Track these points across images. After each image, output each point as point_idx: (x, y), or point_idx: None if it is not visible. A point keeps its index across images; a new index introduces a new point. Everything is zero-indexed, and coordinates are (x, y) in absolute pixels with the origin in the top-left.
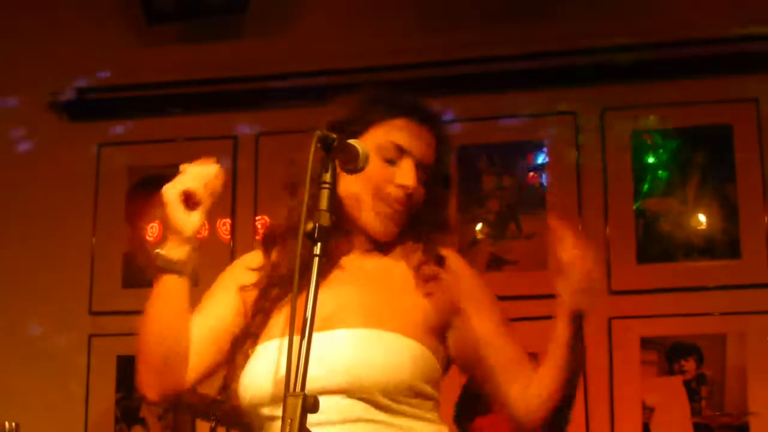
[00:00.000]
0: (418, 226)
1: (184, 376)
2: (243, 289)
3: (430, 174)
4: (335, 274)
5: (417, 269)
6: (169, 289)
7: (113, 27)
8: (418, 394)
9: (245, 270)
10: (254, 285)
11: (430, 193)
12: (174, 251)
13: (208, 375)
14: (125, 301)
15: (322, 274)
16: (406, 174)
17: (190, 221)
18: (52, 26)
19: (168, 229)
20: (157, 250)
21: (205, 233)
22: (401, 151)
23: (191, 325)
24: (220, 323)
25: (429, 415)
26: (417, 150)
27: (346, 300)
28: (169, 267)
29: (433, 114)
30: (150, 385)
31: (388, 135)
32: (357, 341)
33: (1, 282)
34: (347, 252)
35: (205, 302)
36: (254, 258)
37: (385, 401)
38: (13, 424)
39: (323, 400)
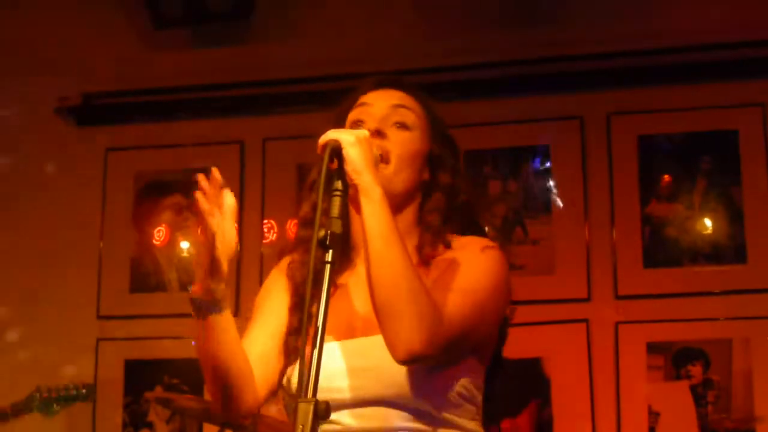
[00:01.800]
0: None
1: (256, 391)
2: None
3: (414, 120)
4: (360, 274)
5: (419, 255)
6: (216, 327)
7: (120, 32)
8: (462, 396)
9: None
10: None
11: (431, 149)
12: (210, 292)
13: (279, 385)
14: (133, 306)
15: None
16: (366, 118)
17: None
18: (58, 31)
19: (201, 271)
20: (192, 296)
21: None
22: (362, 106)
23: (252, 339)
24: (279, 331)
25: (471, 425)
26: (377, 100)
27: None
28: (211, 310)
29: (391, 78)
30: (224, 406)
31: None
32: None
33: (9, 286)
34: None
35: (260, 312)
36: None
37: (428, 408)
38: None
39: (365, 410)
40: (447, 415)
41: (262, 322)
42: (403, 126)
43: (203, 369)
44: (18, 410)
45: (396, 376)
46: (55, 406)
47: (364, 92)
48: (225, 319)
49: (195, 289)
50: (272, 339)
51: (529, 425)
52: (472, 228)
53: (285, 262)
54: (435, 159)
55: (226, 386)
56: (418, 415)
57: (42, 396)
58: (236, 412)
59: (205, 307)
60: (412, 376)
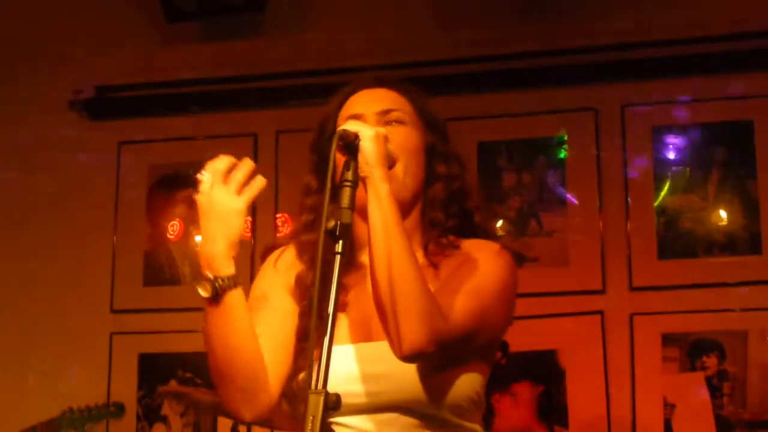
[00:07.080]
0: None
1: (268, 384)
2: (293, 287)
3: (408, 119)
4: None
5: (426, 255)
6: (231, 306)
7: (133, 26)
8: (475, 402)
9: (285, 268)
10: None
11: (425, 144)
12: (224, 267)
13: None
14: (146, 299)
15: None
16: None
17: (238, 221)
18: (71, 25)
19: (208, 243)
20: (207, 273)
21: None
22: (354, 118)
23: (261, 329)
24: (285, 326)
25: (478, 427)
26: (369, 105)
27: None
28: (228, 286)
29: (381, 77)
30: (239, 405)
31: (345, 113)
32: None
33: (23, 280)
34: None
35: (260, 307)
36: (289, 255)
37: (442, 415)
38: None
39: (380, 415)
40: (458, 421)
41: (269, 310)
42: (398, 122)
43: (212, 359)
44: (49, 429)
45: (411, 383)
46: (87, 425)
47: (347, 98)
48: (241, 296)
49: (205, 269)
50: (284, 324)
51: (528, 403)
52: (477, 230)
53: (277, 258)
54: (429, 150)
55: (239, 375)
56: (431, 421)
57: (74, 415)
58: (252, 407)
59: (223, 284)
60: (427, 383)
